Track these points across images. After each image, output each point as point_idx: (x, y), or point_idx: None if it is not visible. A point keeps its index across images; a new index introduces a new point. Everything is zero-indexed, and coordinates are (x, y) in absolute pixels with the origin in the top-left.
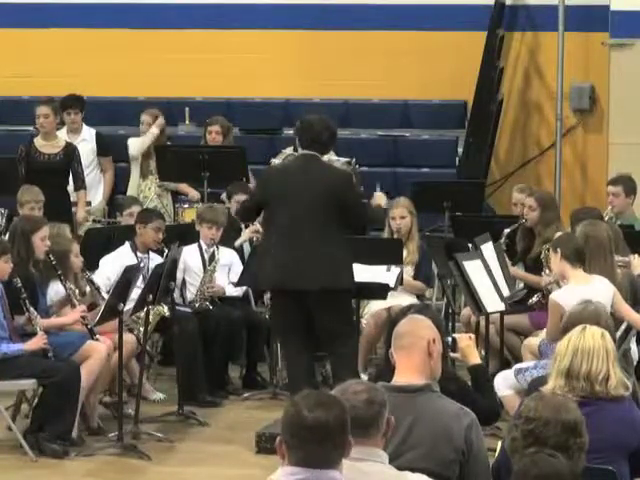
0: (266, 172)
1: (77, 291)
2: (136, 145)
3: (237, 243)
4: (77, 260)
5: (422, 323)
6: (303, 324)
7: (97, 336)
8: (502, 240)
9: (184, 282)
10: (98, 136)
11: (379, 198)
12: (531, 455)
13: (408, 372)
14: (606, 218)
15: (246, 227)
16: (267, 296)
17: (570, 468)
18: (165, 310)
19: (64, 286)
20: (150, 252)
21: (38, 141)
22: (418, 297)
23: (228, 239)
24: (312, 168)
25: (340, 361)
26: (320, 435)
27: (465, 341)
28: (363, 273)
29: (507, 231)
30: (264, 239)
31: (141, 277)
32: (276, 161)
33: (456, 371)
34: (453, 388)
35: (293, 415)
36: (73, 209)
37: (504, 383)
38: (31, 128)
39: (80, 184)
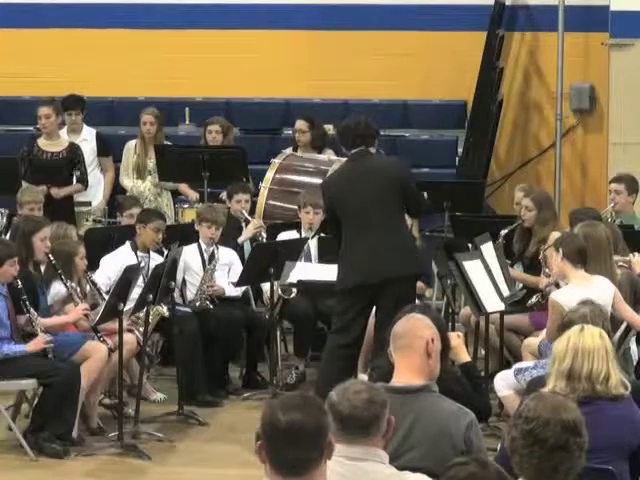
0: (326, 182)
1: (79, 289)
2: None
3: (240, 240)
4: (82, 262)
5: (420, 322)
6: (360, 322)
7: (100, 333)
8: (499, 241)
9: (184, 282)
10: (98, 136)
11: None
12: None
13: (407, 372)
14: (607, 215)
15: (247, 225)
16: (266, 296)
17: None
18: (165, 310)
19: (65, 285)
20: (150, 252)
21: (41, 141)
22: (418, 297)
23: (228, 239)
24: (366, 163)
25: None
26: (294, 438)
27: (455, 340)
28: None
29: (504, 232)
30: (343, 243)
31: (141, 277)
32: (276, 160)
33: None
34: (457, 389)
35: (268, 418)
36: (76, 209)
37: (504, 383)
38: (31, 128)
39: (85, 185)
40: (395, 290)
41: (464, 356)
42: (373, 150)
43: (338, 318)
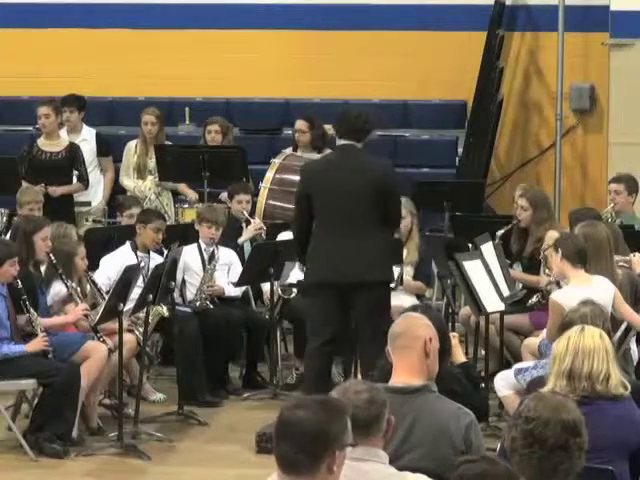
0: (305, 169)
1: (79, 289)
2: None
3: (240, 240)
4: (82, 263)
5: (418, 322)
6: (337, 319)
7: (100, 334)
8: (496, 242)
9: (184, 282)
10: (98, 136)
11: None
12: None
13: (406, 373)
14: (607, 216)
15: (247, 225)
16: (266, 296)
17: (506, 472)
18: (164, 310)
19: (65, 284)
20: (150, 252)
21: (41, 141)
22: (418, 297)
23: (228, 239)
24: (353, 159)
25: (367, 356)
26: (289, 433)
27: (451, 340)
28: None
29: (500, 233)
30: (312, 236)
31: (141, 277)
32: (275, 160)
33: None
34: (458, 389)
35: (280, 411)
36: (76, 209)
37: (504, 383)
38: (31, 128)
39: (85, 185)
40: (368, 296)
41: (460, 356)
42: (359, 146)
43: (311, 319)
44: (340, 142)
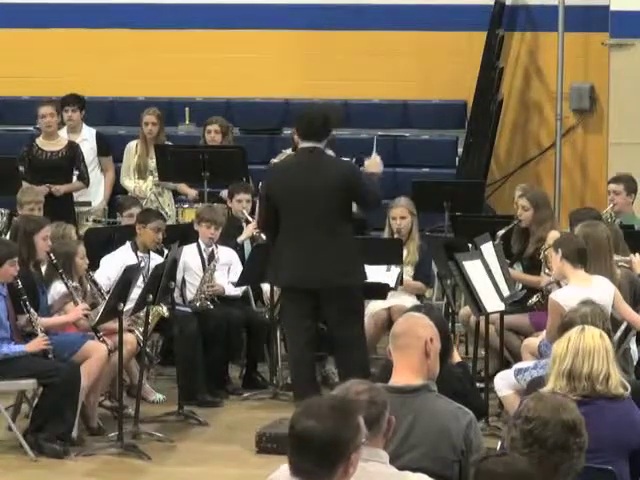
0: (270, 172)
1: (79, 289)
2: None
3: (240, 239)
4: (82, 262)
5: (420, 322)
6: (311, 322)
7: (100, 334)
8: (496, 242)
9: (184, 282)
10: (98, 136)
11: (373, 165)
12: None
13: (406, 372)
14: (607, 216)
15: (247, 224)
16: (266, 296)
17: (529, 468)
18: (164, 310)
19: (65, 284)
20: (150, 252)
21: (40, 140)
22: (418, 297)
23: (228, 238)
24: (316, 162)
25: (347, 360)
26: (302, 446)
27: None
28: None
29: (501, 233)
30: (278, 238)
31: (141, 277)
32: (275, 160)
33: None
34: (459, 388)
35: (291, 419)
36: (76, 209)
37: (504, 383)
38: (31, 128)
39: (86, 183)
40: (338, 301)
41: (456, 357)
42: (321, 146)
43: (286, 325)
44: (302, 144)
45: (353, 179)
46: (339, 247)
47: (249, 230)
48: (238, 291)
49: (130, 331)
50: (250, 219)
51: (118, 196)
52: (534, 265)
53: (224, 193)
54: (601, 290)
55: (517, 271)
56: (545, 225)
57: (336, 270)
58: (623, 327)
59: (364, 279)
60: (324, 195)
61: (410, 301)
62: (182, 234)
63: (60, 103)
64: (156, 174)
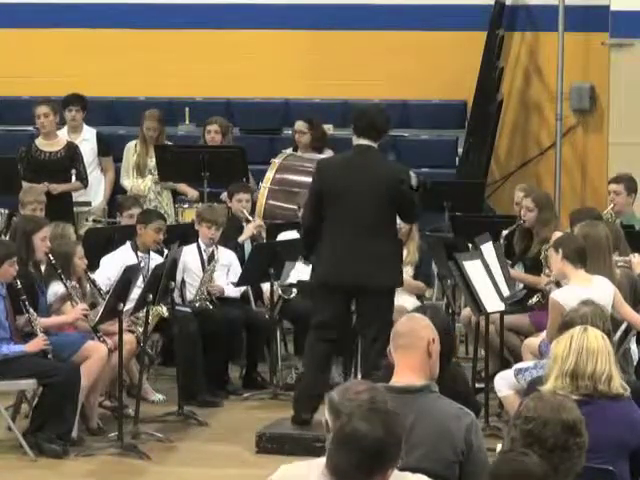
0: (321, 167)
1: (79, 289)
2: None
3: (241, 239)
4: (81, 262)
5: (421, 322)
6: (336, 334)
7: (100, 334)
8: (500, 242)
9: (184, 282)
10: (98, 136)
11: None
12: (503, 454)
13: (407, 372)
14: (607, 217)
15: (247, 224)
16: (266, 296)
17: (542, 466)
18: (164, 310)
19: (64, 284)
20: (150, 252)
21: (39, 140)
22: (418, 297)
23: (229, 238)
24: (370, 162)
25: (370, 359)
26: (349, 445)
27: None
28: None
29: (505, 233)
30: (323, 234)
31: (141, 277)
32: (276, 160)
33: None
34: (461, 389)
35: (342, 419)
36: (76, 209)
37: (504, 383)
38: (31, 128)
39: (84, 184)
40: (372, 300)
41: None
42: (375, 146)
43: (317, 314)
44: (358, 141)
45: (403, 186)
46: (379, 248)
47: (249, 230)
48: (237, 292)
49: (130, 331)
50: (250, 219)
51: (118, 196)
52: (537, 265)
53: (224, 195)
54: (601, 290)
55: (517, 271)
56: (549, 226)
57: (376, 269)
58: (623, 327)
59: (397, 283)
60: (373, 195)
61: (410, 301)
62: (182, 234)
63: (62, 103)
64: (155, 173)
